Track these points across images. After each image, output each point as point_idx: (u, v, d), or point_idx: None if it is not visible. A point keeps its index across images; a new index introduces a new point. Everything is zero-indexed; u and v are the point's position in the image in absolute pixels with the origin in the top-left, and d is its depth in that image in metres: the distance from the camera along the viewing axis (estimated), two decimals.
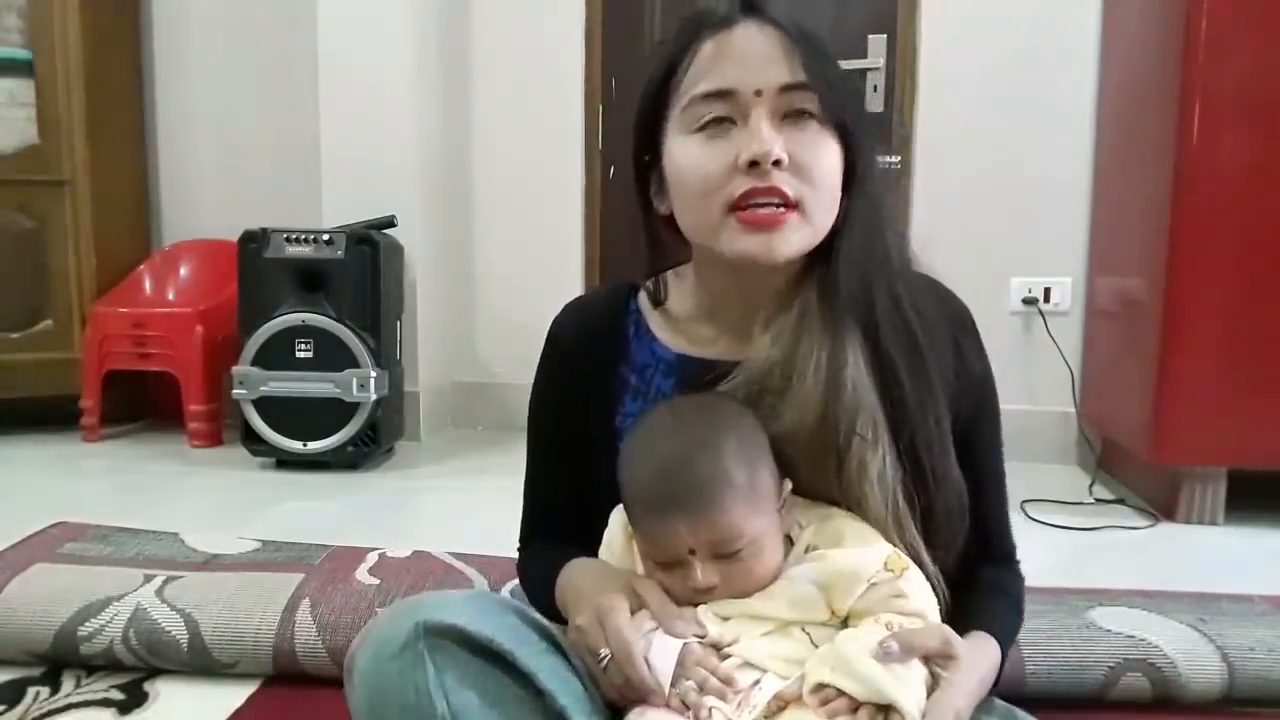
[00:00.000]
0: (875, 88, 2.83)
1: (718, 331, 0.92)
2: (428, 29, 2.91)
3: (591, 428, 0.94)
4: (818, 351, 0.84)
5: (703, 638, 0.78)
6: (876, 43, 2.83)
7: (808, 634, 0.78)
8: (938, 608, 0.82)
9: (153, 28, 3.17)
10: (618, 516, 0.89)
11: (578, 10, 3.00)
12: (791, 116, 0.82)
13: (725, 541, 0.77)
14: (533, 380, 1.00)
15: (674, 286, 0.96)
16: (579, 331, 0.97)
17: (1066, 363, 2.73)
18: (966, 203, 2.80)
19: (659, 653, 0.77)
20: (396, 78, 2.82)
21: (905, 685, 0.73)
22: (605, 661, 0.78)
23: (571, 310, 1.00)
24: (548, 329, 0.99)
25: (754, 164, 0.80)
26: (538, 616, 0.85)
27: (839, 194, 0.85)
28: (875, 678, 0.72)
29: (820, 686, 0.74)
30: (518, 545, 1.06)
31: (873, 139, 0.87)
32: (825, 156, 0.83)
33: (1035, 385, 2.77)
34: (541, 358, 0.99)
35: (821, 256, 0.86)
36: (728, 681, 0.75)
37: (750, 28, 0.85)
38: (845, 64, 2.82)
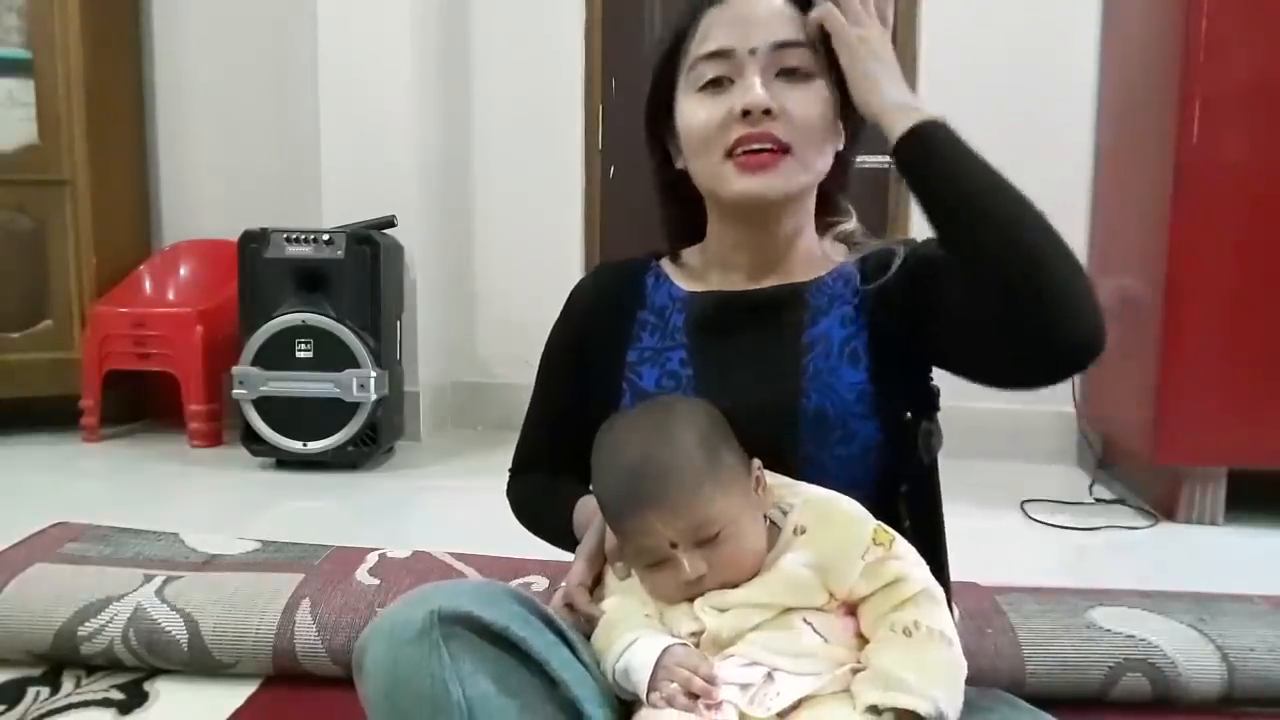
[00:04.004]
0: None
1: (729, 277, 1.00)
2: (428, 29, 2.91)
3: (603, 362, 1.00)
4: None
5: (699, 633, 0.79)
6: None
7: (809, 624, 0.78)
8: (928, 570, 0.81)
9: (153, 28, 3.16)
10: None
11: (577, 10, 3.00)
12: (785, 73, 0.90)
13: (701, 526, 0.79)
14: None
15: (689, 250, 1.06)
16: (599, 283, 1.07)
17: None
18: None
19: (641, 654, 0.78)
20: (396, 78, 2.82)
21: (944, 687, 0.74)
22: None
23: (595, 270, 1.11)
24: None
25: (746, 113, 0.89)
26: (545, 608, 0.85)
27: (831, 136, 0.94)
28: (923, 686, 0.73)
29: (874, 709, 0.73)
30: (509, 469, 1.12)
31: None
32: (813, 105, 0.91)
33: None
34: (564, 305, 1.08)
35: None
36: (710, 680, 0.75)
37: None
38: None
